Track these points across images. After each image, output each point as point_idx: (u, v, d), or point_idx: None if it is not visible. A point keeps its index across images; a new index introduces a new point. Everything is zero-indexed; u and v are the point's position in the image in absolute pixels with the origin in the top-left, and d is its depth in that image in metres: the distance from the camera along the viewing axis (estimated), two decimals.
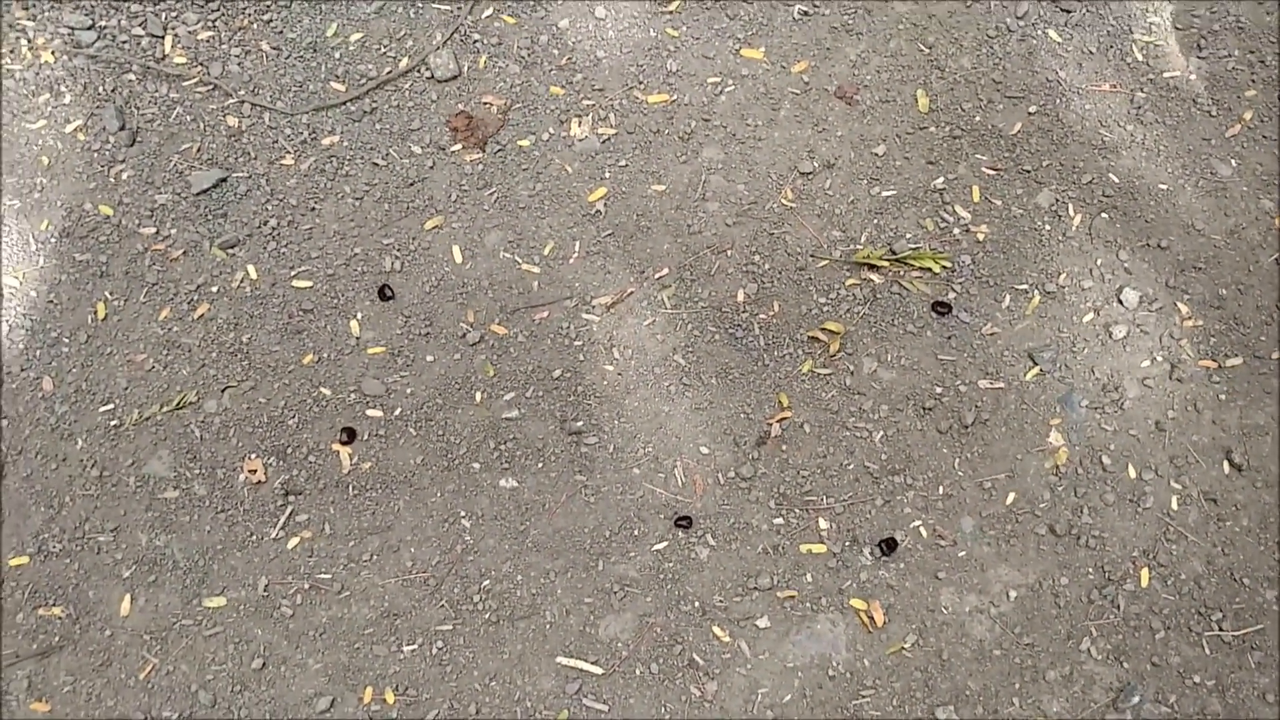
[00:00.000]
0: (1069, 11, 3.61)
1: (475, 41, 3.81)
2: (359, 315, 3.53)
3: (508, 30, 3.82)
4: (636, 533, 3.25)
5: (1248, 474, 3.17)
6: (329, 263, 3.58)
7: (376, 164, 3.68)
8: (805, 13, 3.71)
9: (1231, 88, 3.52)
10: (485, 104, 3.73)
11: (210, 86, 3.75)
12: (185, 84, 3.75)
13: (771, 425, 3.29)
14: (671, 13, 3.79)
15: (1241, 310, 3.29)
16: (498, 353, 3.47)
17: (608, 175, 3.61)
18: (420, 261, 3.57)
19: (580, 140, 3.66)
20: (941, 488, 3.19)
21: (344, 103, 3.74)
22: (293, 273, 3.57)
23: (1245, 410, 3.21)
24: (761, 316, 3.40)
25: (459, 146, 3.69)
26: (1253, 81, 3.52)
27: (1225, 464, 3.18)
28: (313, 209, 3.63)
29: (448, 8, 3.85)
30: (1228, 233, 3.35)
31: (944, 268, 3.33)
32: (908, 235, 3.40)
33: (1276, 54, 3.54)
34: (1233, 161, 3.43)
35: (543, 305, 3.51)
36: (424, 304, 3.53)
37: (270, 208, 3.63)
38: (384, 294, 3.55)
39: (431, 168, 3.67)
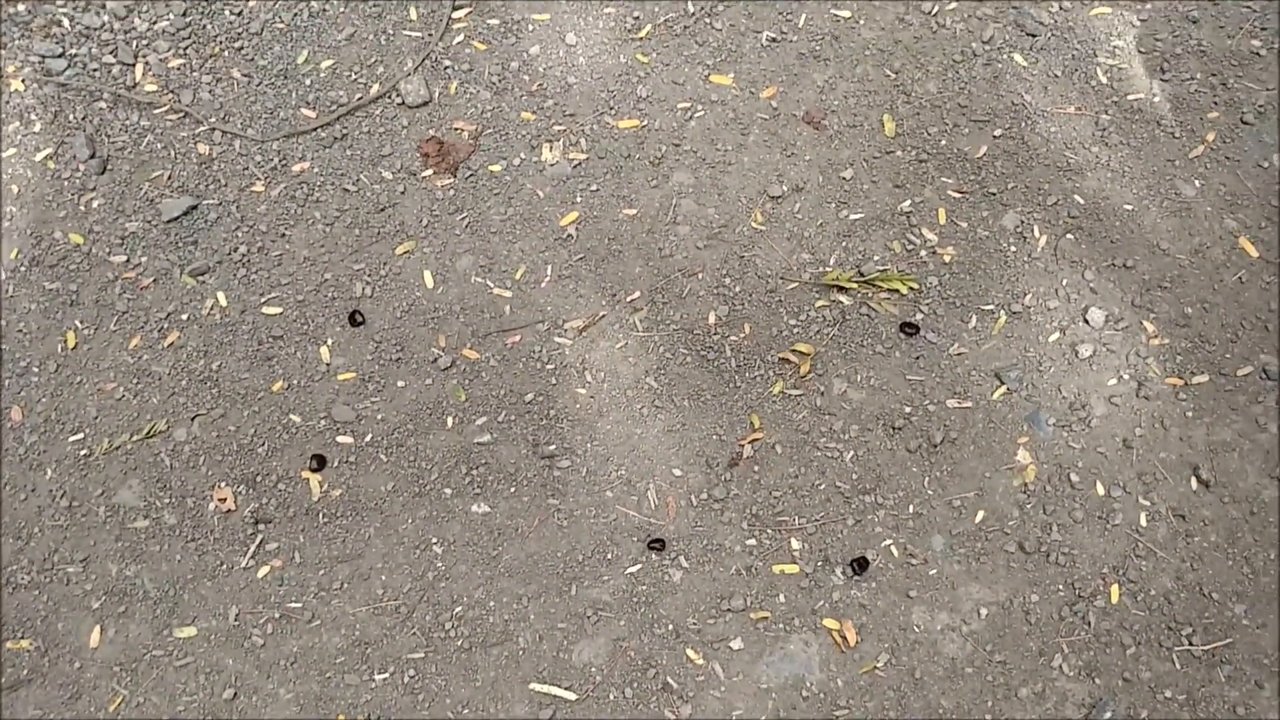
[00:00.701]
0: (1034, 36, 3.85)
1: (446, 68, 4.03)
2: (329, 341, 3.71)
3: (479, 57, 4.04)
4: (609, 556, 3.42)
5: (1215, 490, 3.37)
6: (299, 289, 3.76)
7: (347, 190, 3.88)
8: (773, 39, 3.95)
9: (1194, 109, 3.76)
10: (456, 130, 3.94)
11: (181, 114, 3.95)
12: (156, 111, 3.95)
13: (743, 446, 3.48)
14: (641, 39, 4.02)
15: (1207, 328, 3.51)
16: (469, 377, 3.65)
17: (579, 200, 3.82)
18: (391, 287, 3.76)
19: (552, 165, 3.87)
20: (912, 506, 3.39)
21: (315, 129, 3.94)
22: (263, 299, 3.75)
23: (1212, 427, 3.42)
24: (733, 338, 3.60)
25: (430, 172, 3.89)
26: (1215, 104, 3.77)
27: (1193, 480, 3.38)
28: (283, 235, 3.82)
29: (419, 34, 4.08)
30: (1192, 252, 3.58)
31: (911, 289, 3.54)
32: (876, 257, 3.62)
33: (1238, 76, 3.79)
34: (1196, 182, 3.66)
35: (515, 329, 3.70)
36: (395, 329, 3.71)
37: (240, 234, 3.81)
38: (355, 320, 3.73)
39: (403, 193, 3.87)
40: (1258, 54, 3.81)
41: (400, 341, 3.68)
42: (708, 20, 4.00)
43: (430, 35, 4.04)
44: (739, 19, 3.99)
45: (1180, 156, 3.69)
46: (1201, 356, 3.47)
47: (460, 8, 4.08)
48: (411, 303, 3.72)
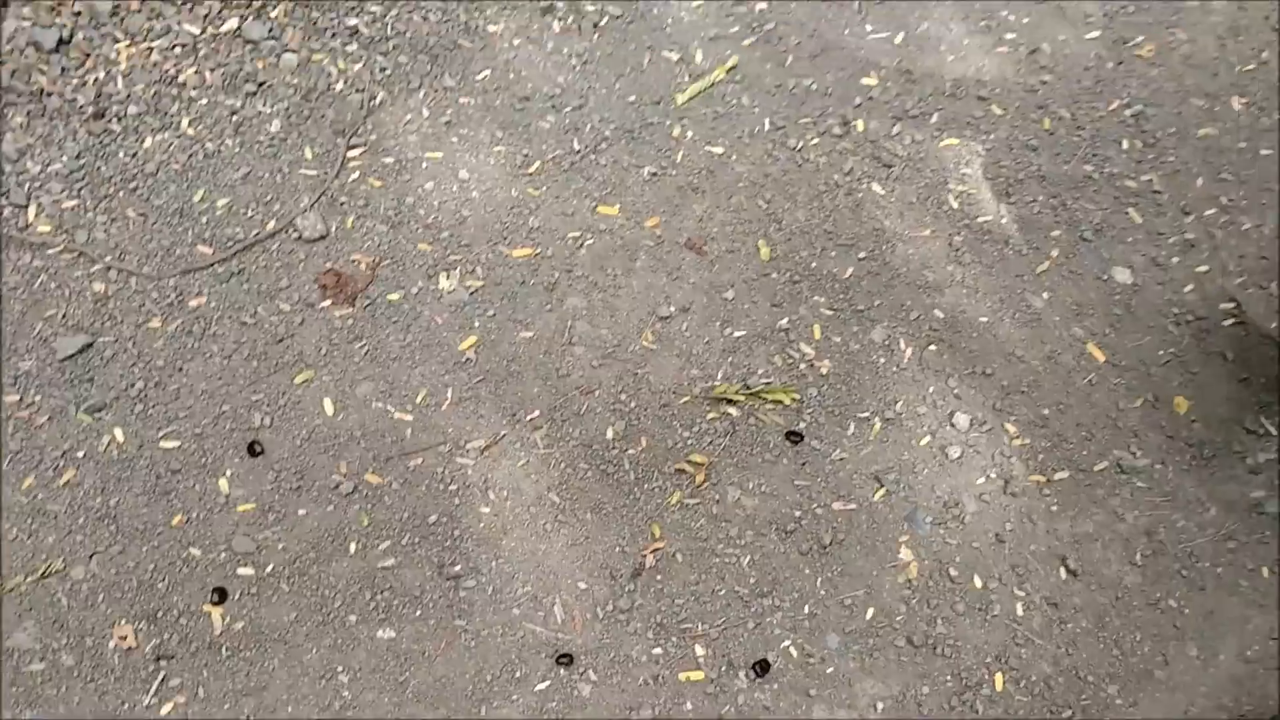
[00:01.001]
0: (890, 167, 4.36)
1: (342, 204, 4.31)
2: (229, 473, 3.84)
3: (374, 193, 4.34)
4: (518, 674, 3.59)
5: (1083, 578, 3.75)
6: (197, 422, 3.91)
7: (245, 323, 4.07)
8: (654, 174, 4.37)
9: (1039, 229, 4.29)
10: (354, 261, 4.21)
11: (76, 254, 4.12)
12: (50, 252, 4.11)
13: (646, 556, 3.73)
14: (531, 174, 4.39)
15: (1063, 428, 3.94)
16: (372, 502, 3.83)
17: (477, 324, 4.10)
18: (291, 416, 3.94)
19: (449, 293, 4.16)
20: (807, 607, 3.67)
21: (211, 265, 4.15)
22: (160, 434, 3.88)
23: (1075, 520, 3.82)
24: (630, 452, 3.88)
25: (328, 302, 4.13)
26: (1056, 223, 4.30)
27: (1062, 570, 3.76)
28: (180, 369, 3.98)
29: (315, 173, 4.36)
30: (1045, 359, 4.04)
31: (794, 400, 3.91)
32: (760, 371, 3.98)
33: (1075, 198, 4.34)
34: (1044, 295, 4.16)
35: (417, 452, 3.91)
36: (295, 458, 3.88)
37: (137, 370, 3.96)
38: (253, 450, 3.88)
39: (301, 324, 4.09)
40: (1090, 178, 4.38)
41: (300, 470, 3.85)
42: (593, 156, 4.41)
43: (326, 173, 4.34)
44: (622, 155, 4.41)
45: (1028, 272, 4.18)
46: (1061, 454, 3.90)
47: (355, 147, 4.40)
48: (311, 431, 3.91)
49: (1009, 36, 4.63)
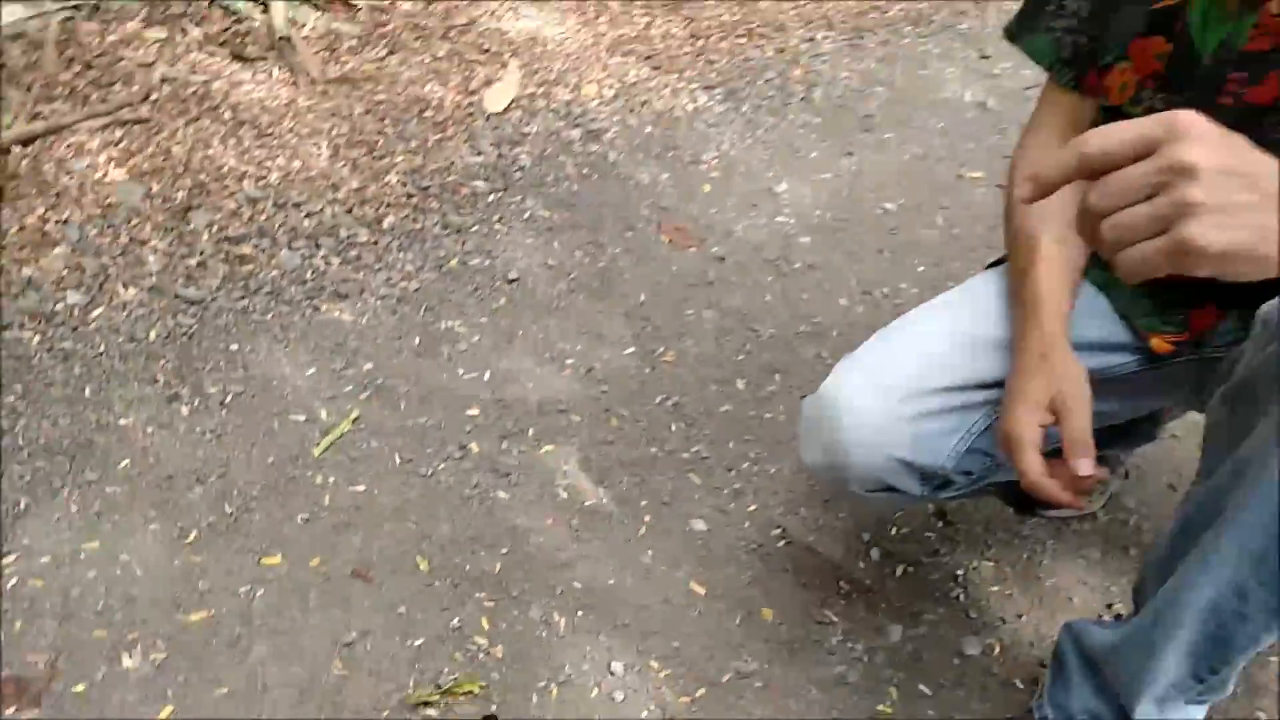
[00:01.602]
0: (508, 475, 5.38)
1: (6, 610, 4.47)
2: None
3: (37, 593, 4.56)
4: None
5: None
6: None
7: None
8: (307, 519, 5.02)
9: (631, 503, 5.44)
10: (31, 664, 4.35)
11: None
12: None
13: None
14: (191, 543, 4.86)
15: (691, 654, 4.96)
16: None
17: (170, 694, 4.38)
18: None
19: (134, 670, 4.42)
20: None
21: None
22: None
23: None
24: None
25: (13, 709, 4.21)
26: (642, 495, 5.48)
27: None
28: None
29: None
30: (662, 602, 5.10)
31: (482, 688, 4.60)
32: (445, 670, 4.65)
33: (649, 474, 5.59)
34: (649, 552, 5.26)
35: None
36: None
37: None
38: None
39: None
40: (657, 456, 5.65)
41: None
42: (246, 515, 4.99)
43: None
44: (273, 509, 5.04)
45: (633, 537, 5.29)
46: (695, 676, 4.89)
47: (8, 554, 4.62)
48: None
49: (569, 362, 5.97)
